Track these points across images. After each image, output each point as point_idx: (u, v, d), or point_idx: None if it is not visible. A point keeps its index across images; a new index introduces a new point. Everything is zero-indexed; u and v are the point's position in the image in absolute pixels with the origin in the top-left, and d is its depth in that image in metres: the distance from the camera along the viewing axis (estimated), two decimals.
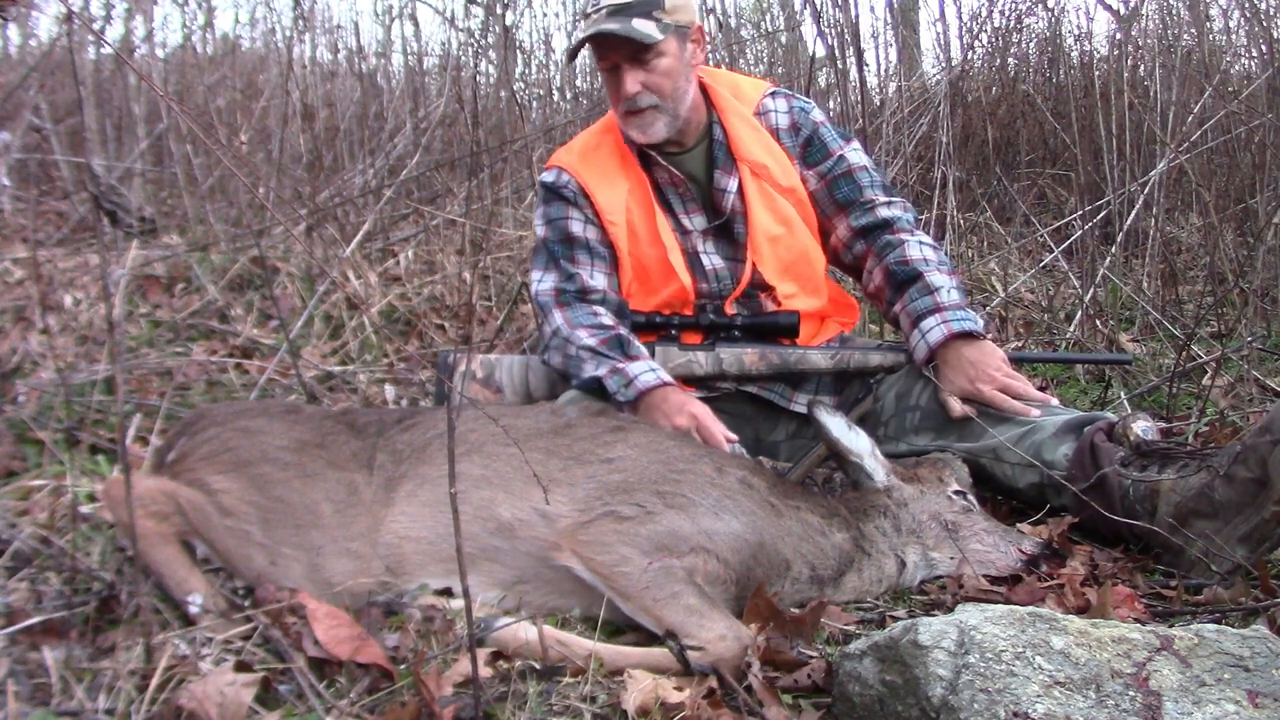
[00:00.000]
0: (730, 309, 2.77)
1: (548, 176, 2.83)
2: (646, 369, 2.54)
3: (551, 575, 1.91)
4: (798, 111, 2.83)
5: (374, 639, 1.72)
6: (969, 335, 2.54)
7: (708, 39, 2.92)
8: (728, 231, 2.78)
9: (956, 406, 2.50)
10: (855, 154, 2.79)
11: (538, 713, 1.60)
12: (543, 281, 2.78)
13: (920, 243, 2.70)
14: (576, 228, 2.77)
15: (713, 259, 2.78)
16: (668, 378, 2.55)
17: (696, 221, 2.80)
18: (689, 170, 2.78)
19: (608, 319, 2.67)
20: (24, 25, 6.39)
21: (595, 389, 2.55)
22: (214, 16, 6.40)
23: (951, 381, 2.52)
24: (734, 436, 2.45)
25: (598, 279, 2.74)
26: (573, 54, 2.77)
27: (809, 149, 2.80)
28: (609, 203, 2.75)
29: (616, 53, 2.61)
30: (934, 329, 2.56)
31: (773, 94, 2.85)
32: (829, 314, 2.90)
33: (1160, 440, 2.31)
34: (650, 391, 2.49)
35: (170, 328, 3.78)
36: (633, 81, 2.61)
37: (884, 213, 2.74)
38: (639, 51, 2.59)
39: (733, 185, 2.74)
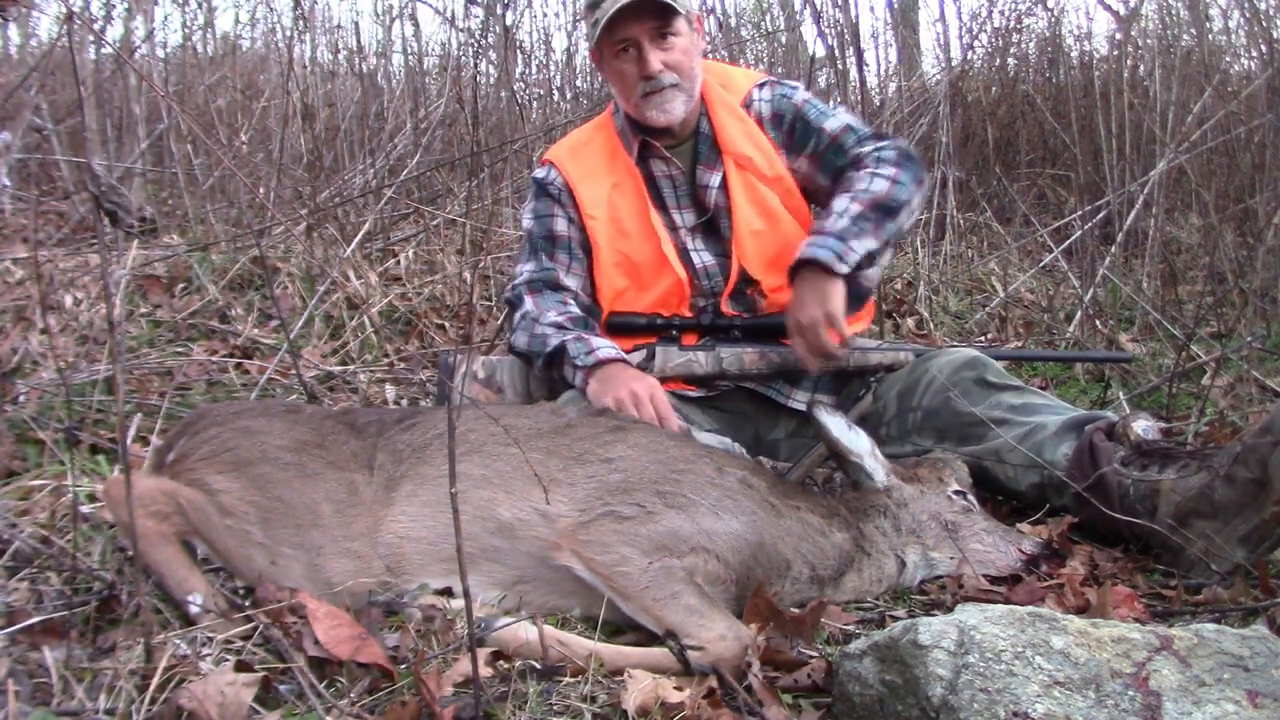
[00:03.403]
0: (725, 307, 2.76)
1: (540, 173, 2.88)
2: (608, 345, 2.58)
3: (551, 575, 1.91)
4: (779, 99, 2.79)
5: (374, 639, 1.72)
6: (818, 266, 2.44)
7: (706, 37, 2.92)
8: (714, 228, 2.78)
9: (811, 363, 2.50)
10: (834, 120, 2.73)
11: (538, 713, 1.60)
12: (522, 273, 2.84)
13: (873, 174, 2.58)
14: (560, 226, 2.80)
15: (702, 256, 2.78)
16: (626, 358, 2.58)
17: (686, 218, 2.80)
18: (680, 164, 2.78)
19: (576, 310, 2.72)
20: (24, 25, 6.38)
21: (557, 360, 2.58)
22: (214, 16, 6.38)
23: (787, 310, 2.49)
24: (685, 425, 2.46)
25: (570, 280, 2.79)
26: (599, 36, 2.65)
27: (794, 135, 2.76)
28: (590, 196, 2.77)
29: (639, 25, 2.61)
30: (799, 251, 2.50)
31: (761, 84, 2.83)
32: None
33: (1160, 440, 2.31)
34: (609, 363, 2.52)
35: (170, 328, 3.77)
36: (655, 59, 2.62)
37: (854, 151, 2.67)
38: (661, 26, 2.62)
39: (715, 180, 2.74)
